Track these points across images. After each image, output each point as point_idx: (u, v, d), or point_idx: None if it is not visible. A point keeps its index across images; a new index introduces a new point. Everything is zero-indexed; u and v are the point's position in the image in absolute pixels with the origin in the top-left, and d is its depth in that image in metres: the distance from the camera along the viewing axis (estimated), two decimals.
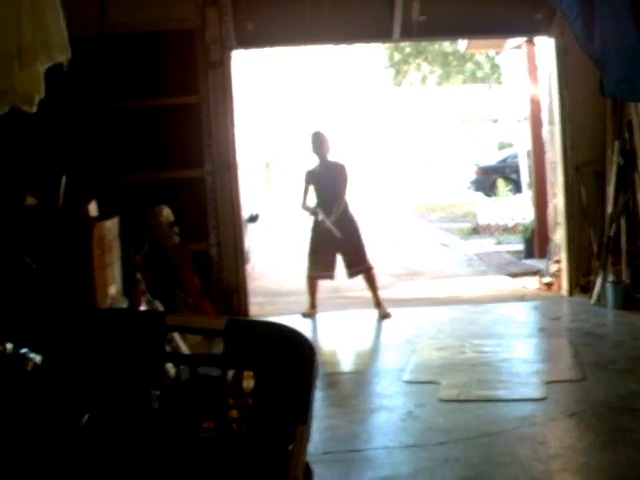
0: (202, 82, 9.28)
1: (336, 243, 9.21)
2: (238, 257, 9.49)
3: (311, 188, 9.44)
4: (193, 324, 3.20)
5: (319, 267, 9.36)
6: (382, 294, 9.58)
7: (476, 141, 34.70)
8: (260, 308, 9.96)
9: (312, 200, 9.44)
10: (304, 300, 9.55)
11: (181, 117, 9.24)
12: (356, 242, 9.33)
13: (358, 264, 9.34)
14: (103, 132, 8.99)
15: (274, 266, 14.33)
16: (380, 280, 9.82)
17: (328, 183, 9.30)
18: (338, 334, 8.83)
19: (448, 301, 10.29)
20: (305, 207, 9.42)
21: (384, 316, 9.28)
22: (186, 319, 3.48)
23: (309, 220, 9.49)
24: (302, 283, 9.66)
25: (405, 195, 28.54)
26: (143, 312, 5.90)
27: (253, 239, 14.23)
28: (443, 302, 10.23)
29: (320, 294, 9.60)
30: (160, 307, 7.65)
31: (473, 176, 26.13)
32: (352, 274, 9.41)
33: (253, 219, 11.50)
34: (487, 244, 15.64)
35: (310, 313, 9.40)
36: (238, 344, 2.89)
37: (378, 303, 9.40)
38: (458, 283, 11.76)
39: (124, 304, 7.05)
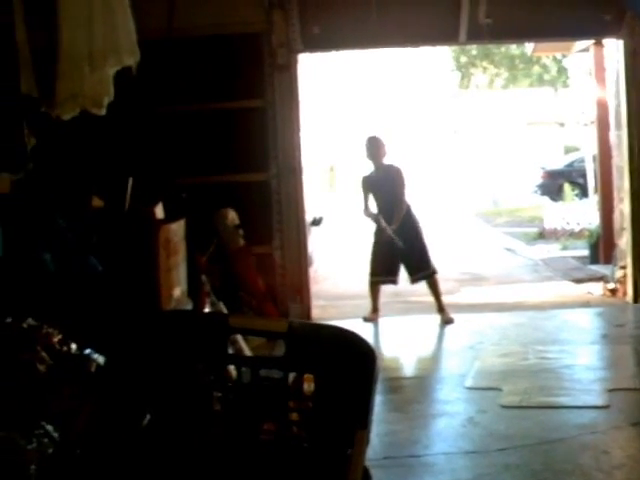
0: (268, 85, 9.33)
1: (398, 249, 9.15)
2: (301, 260, 9.54)
3: (371, 194, 9.38)
4: (255, 326, 3.22)
5: (381, 272, 9.32)
6: (445, 299, 9.53)
7: (543, 145, 34.35)
8: (322, 311, 10.00)
9: (373, 206, 9.42)
10: (366, 304, 9.55)
11: (247, 120, 9.30)
12: (419, 247, 9.25)
13: (420, 270, 9.26)
14: (170, 135, 9.10)
15: (337, 269, 14.36)
16: (444, 285, 9.77)
17: (386, 188, 9.23)
18: (399, 339, 8.82)
19: (512, 307, 10.23)
20: (367, 214, 9.37)
21: (447, 322, 9.20)
22: (249, 321, 3.52)
23: (372, 225, 9.48)
24: (365, 287, 9.66)
25: (471, 199, 28.38)
26: (207, 314, 5.96)
27: (316, 242, 14.28)
28: (507, 308, 10.16)
29: (382, 298, 9.58)
30: (224, 309, 7.72)
31: (539, 180, 25.89)
32: (414, 280, 9.35)
33: (317, 222, 11.53)
34: (553, 249, 15.50)
35: (372, 317, 9.37)
36: (299, 347, 2.91)
37: (441, 308, 9.33)
38: (523, 289, 11.68)
39: (189, 306, 7.13)
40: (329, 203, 23.49)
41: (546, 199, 23.67)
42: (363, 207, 9.37)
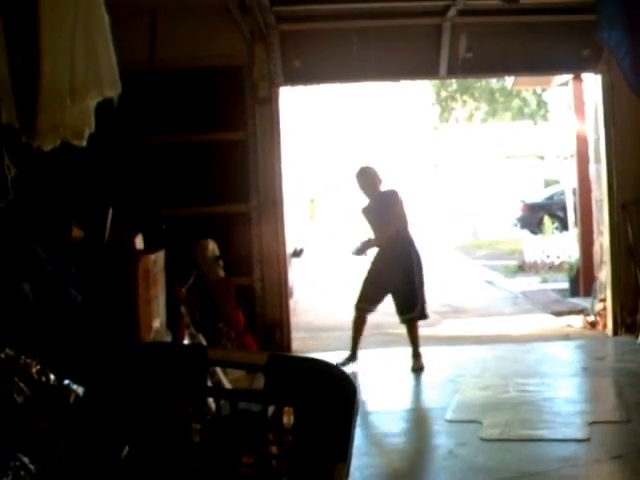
0: (250, 118, 9.38)
1: (389, 280, 8.73)
2: (282, 292, 9.54)
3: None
4: (235, 359, 3.21)
5: (369, 300, 8.87)
6: (426, 332, 9.39)
7: (522, 178, 34.56)
8: (302, 343, 9.97)
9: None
10: (347, 336, 9.48)
11: (228, 152, 9.33)
12: (410, 286, 8.73)
13: (407, 310, 8.79)
14: (151, 166, 9.09)
15: (317, 301, 14.34)
16: (431, 316, 9.44)
17: (381, 214, 8.80)
18: (379, 371, 8.80)
19: (493, 339, 10.24)
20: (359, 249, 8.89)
21: (418, 369, 8.74)
22: (228, 353, 3.51)
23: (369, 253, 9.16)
24: (346, 318, 9.61)
25: (451, 232, 28.47)
26: (186, 346, 5.94)
27: (297, 274, 14.27)
28: (488, 340, 10.18)
29: (368, 330, 9.31)
30: (203, 341, 7.69)
31: (519, 213, 26.01)
32: (403, 321, 8.90)
33: (297, 254, 11.53)
34: (533, 282, 15.56)
35: (347, 362, 8.75)
36: (279, 379, 2.90)
37: (416, 354, 8.88)
38: (503, 321, 11.71)
39: (168, 337, 7.09)
40: (310, 235, 23.51)
41: (526, 232, 23.77)
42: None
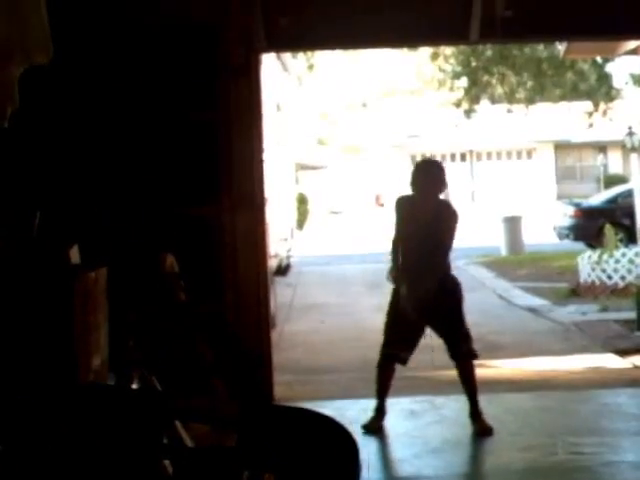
0: (221, 93, 9.36)
1: (425, 308, 8.45)
2: (262, 321, 9.53)
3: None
4: (199, 409, 3.22)
5: (397, 343, 8.62)
6: (447, 375, 9.38)
7: (576, 174, 34.66)
8: (288, 389, 9.97)
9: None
10: (347, 379, 9.49)
11: (193, 138, 9.31)
12: (457, 306, 8.63)
13: (466, 341, 8.57)
14: (91, 157, 9.09)
15: (308, 333, 14.34)
16: (444, 356, 9.07)
17: (430, 232, 8.46)
18: (393, 426, 8.79)
19: (537, 386, 10.25)
20: (390, 273, 8.76)
21: (484, 432, 8.44)
22: (191, 403, 3.51)
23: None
24: (346, 355, 9.61)
25: (480, 242, 28.54)
26: (136, 391, 5.94)
27: (282, 297, 14.29)
28: (530, 387, 10.18)
29: (365, 374, 9.27)
30: (158, 385, 7.69)
31: (571, 220, 26.06)
32: (463, 356, 8.62)
33: (283, 271, 11.56)
34: (590, 311, 15.57)
35: (374, 426, 8.62)
36: (256, 437, 2.91)
37: (476, 411, 8.61)
38: (550, 362, 11.71)
39: (111, 380, 7.09)
40: (299, 245, 23.58)
41: (581, 245, 23.82)
42: (390, 266, 8.79)
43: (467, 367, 8.63)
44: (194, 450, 4.04)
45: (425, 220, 8.50)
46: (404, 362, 8.72)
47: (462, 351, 8.55)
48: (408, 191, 8.73)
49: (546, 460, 7.51)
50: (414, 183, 8.62)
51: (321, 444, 2.86)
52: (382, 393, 8.76)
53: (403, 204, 8.76)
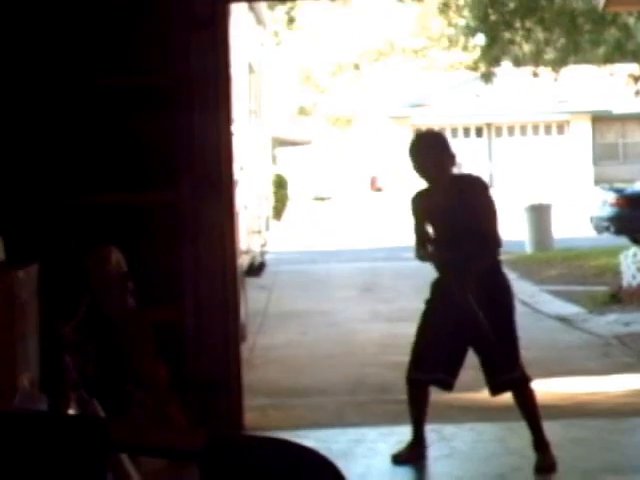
0: (181, 52, 9.36)
1: (468, 330, 8.42)
2: (229, 332, 9.54)
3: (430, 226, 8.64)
4: (152, 441, 3.22)
5: (427, 364, 8.53)
6: (465, 397, 9.38)
7: (618, 153, 34.79)
8: (261, 415, 10.00)
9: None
10: (334, 404, 9.50)
11: (145, 108, 9.31)
12: (508, 335, 8.47)
13: (509, 370, 8.50)
14: (22, 133, 9.09)
15: (285, 346, 14.37)
16: (462, 376, 9.39)
17: (468, 212, 8.40)
18: (388, 464, 8.81)
19: (569, 412, 10.29)
20: (421, 255, 8.69)
21: (548, 468, 8.40)
22: (141, 432, 3.51)
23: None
24: (331, 376, 9.64)
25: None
26: (73, 418, 5.94)
27: (255, 302, 14.31)
28: (561, 413, 10.19)
29: (360, 395, 9.34)
30: (100, 411, 7.70)
31: (612, 210, 26.12)
32: (498, 389, 8.63)
33: (256, 270, 11.59)
34: (634, 321, 15.61)
35: (407, 455, 8.64)
36: (223, 474, 2.92)
37: (542, 442, 8.56)
38: (586, 383, 11.75)
39: (43, 404, 7.09)
40: (276, 239, 23.63)
41: (623, 240, 23.87)
42: (415, 247, 8.69)
43: (526, 394, 8.63)
44: None
45: (446, 207, 8.41)
46: (448, 387, 8.65)
47: (513, 377, 8.48)
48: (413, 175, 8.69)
49: None
50: (417, 166, 8.50)
51: None
52: (416, 420, 8.70)
53: (416, 202, 8.70)
